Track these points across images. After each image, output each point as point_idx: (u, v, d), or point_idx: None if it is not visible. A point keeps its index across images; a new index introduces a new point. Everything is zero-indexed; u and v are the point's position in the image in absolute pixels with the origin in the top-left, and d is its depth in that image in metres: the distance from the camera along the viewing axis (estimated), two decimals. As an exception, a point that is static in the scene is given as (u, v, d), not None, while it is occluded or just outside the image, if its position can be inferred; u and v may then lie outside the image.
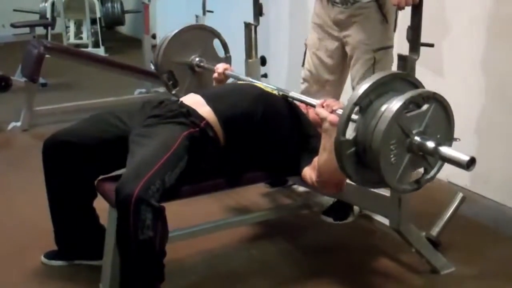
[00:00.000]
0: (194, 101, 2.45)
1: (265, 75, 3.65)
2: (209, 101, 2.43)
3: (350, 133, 1.89)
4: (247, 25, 3.53)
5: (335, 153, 1.91)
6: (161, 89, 5.61)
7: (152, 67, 5.67)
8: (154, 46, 6.06)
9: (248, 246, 2.88)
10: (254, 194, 3.37)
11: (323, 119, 2.17)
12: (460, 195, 2.80)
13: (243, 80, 2.85)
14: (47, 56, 4.80)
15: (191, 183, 2.32)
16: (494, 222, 3.11)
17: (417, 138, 1.85)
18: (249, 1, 3.63)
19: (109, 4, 8.54)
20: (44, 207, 2.57)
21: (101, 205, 2.46)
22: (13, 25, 6.55)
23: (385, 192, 2.47)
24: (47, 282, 2.57)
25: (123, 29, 9.57)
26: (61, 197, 2.51)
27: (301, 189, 3.35)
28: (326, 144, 2.15)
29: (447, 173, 3.55)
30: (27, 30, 6.50)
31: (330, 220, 3.06)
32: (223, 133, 2.38)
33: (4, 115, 5.04)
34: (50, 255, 2.69)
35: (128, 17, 8.88)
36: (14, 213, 3.24)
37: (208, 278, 2.61)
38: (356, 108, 1.86)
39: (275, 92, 2.58)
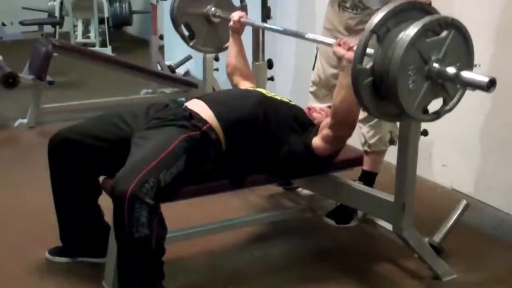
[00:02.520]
0: (197, 106, 2.47)
1: (271, 78, 3.65)
2: (212, 106, 2.45)
3: (368, 63, 1.87)
4: (255, 28, 3.54)
5: (352, 83, 1.90)
6: (168, 90, 5.64)
7: (159, 68, 5.71)
8: (161, 47, 6.10)
9: (251, 247, 2.88)
10: (258, 196, 3.38)
11: (340, 57, 2.20)
12: (463, 202, 2.80)
13: (259, 26, 2.84)
14: (54, 54, 4.82)
15: (194, 184, 2.33)
16: (497, 230, 3.11)
17: (435, 65, 1.83)
18: (257, 4, 3.64)
19: (117, 4, 8.57)
20: (49, 203, 2.59)
21: (106, 203, 2.47)
22: (21, 23, 6.59)
23: (389, 197, 2.48)
24: (50, 278, 2.59)
25: (131, 29, 9.59)
26: (66, 194, 2.53)
27: (305, 192, 3.35)
28: (343, 81, 2.18)
29: (451, 180, 3.56)
30: (35, 28, 6.54)
31: (332, 223, 3.06)
32: (225, 137, 2.40)
33: (11, 112, 5.07)
34: (54, 252, 2.70)
35: (136, 18, 8.90)
36: (19, 209, 3.25)
37: (211, 279, 2.62)
38: (374, 39, 1.84)
39: (277, 97, 2.60)
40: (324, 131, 2.38)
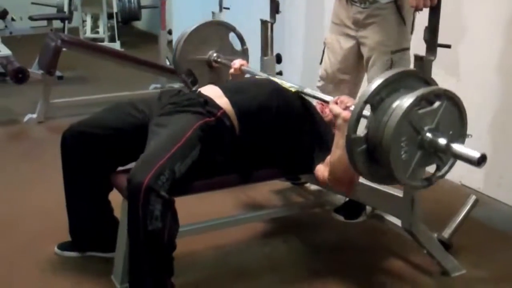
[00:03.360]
0: (212, 91, 2.47)
1: (280, 73, 3.65)
2: (227, 92, 2.45)
3: (362, 131, 1.89)
4: (264, 23, 3.54)
5: (346, 150, 1.92)
6: (176, 85, 5.64)
7: (168, 63, 5.71)
8: (170, 42, 6.11)
9: (259, 242, 2.89)
10: (267, 191, 3.38)
11: (336, 116, 2.18)
12: (473, 197, 2.79)
13: (259, 76, 2.86)
14: (64, 49, 4.83)
15: (204, 178, 2.34)
16: (507, 226, 3.10)
17: (428, 135, 1.84)
18: (266, -1, 3.64)
19: (126, -1, 8.59)
20: (59, 198, 2.60)
21: (116, 198, 2.48)
22: (31, 18, 6.61)
23: (398, 192, 2.47)
24: (60, 273, 2.59)
25: (139, 24, 9.60)
26: (77, 188, 2.53)
27: (313, 187, 3.35)
28: (339, 141, 2.16)
29: (460, 175, 3.55)
30: (44, 23, 6.57)
31: (341, 218, 3.06)
32: (239, 124, 2.39)
33: (20, 106, 5.09)
34: (63, 246, 2.71)
35: (144, 13, 8.91)
36: (28, 203, 3.27)
37: (219, 274, 2.62)
38: (369, 106, 1.86)
39: (291, 89, 2.59)
40: (326, 173, 2.33)
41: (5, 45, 5.28)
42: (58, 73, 5.48)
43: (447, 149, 1.83)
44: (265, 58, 3.53)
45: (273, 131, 2.44)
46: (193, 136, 2.22)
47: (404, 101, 1.81)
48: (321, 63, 3.16)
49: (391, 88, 1.88)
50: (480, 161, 1.78)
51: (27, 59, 5.36)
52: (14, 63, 4.87)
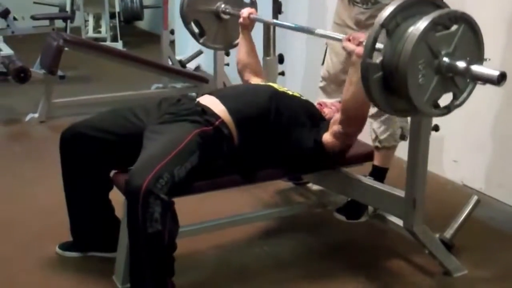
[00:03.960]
0: (210, 101, 2.48)
1: (282, 73, 3.65)
2: (224, 101, 2.45)
3: (377, 58, 1.86)
4: (266, 24, 3.53)
5: (361, 78, 1.89)
6: (178, 85, 5.64)
7: (170, 63, 5.71)
8: (172, 42, 6.10)
9: (261, 242, 2.88)
10: (268, 191, 3.38)
11: (350, 53, 2.19)
12: (475, 198, 2.79)
13: (268, 23, 2.83)
14: (66, 49, 4.83)
15: (206, 179, 2.34)
16: (509, 226, 3.10)
17: (445, 59, 1.82)
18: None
19: (129, -1, 8.58)
20: (60, 197, 2.60)
21: (117, 197, 2.48)
22: (33, 17, 6.60)
23: (399, 192, 2.47)
24: (61, 273, 2.59)
25: (142, 24, 9.60)
26: (77, 188, 2.54)
27: (315, 187, 3.35)
28: (353, 77, 2.17)
29: (462, 176, 3.55)
30: (46, 22, 6.56)
31: (343, 218, 3.06)
32: (238, 132, 2.40)
33: (22, 106, 5.09)
34: (64, 246, 2.71)
35: (147, 12, 8.90)
36: (30, 203, 3.27)
37: (220, 273, 2.62)
38: (383, 34, 1.83)
39: (289, 92, 2.60)
40: (334, 127, 2.37)
41: (7, 44, 5.29)
42: (60, 72, 5.49)
43: (466, 71, 1.80)
44: (268, 58, 3.52)
45: (273, 135, 2.45)
46: (192, 142, 2.22)
47: (421, 23, 1.77)
48: (323, 63, 3.16)
49: (406, 13, 1.85)
50: (500, 79, 1.76)
51: (29, 58, 5.37)
52: (16, 62, 4.88)
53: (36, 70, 5.07)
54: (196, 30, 3.44)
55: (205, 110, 2.39)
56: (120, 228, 2.42)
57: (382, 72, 1.86)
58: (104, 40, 8.02)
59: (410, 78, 1.79)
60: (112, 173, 2.51)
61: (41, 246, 2.77)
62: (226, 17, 3.38)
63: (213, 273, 2.62)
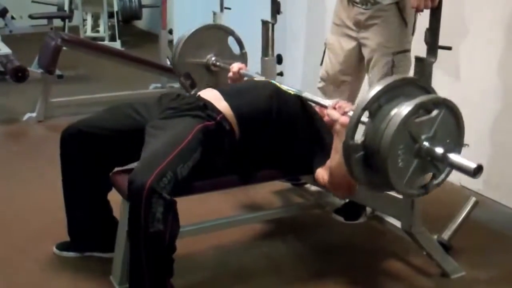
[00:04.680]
0: (212, 95, 2.46)
1: (281, 74, 3.65)
2: (226, 96, 2.44)
3: (359, 137, 1.89)
4: (265, 23, 3.54)
5: (343, 156, 1.92)
6: (177, 84, 5.63)
7: (169, 62, 5.70)
8: (170, 41, 6.10)
9: (259, 243, 2.88)
10: (267, 192, 3.38)
11: (334, 121, 2.17)
12: (473, 199, 2.79)
13: (258, 79, 2.86)
14: (64, 48, 4.82)
15: (205, 179, 2.33)
16: (507, 227, 3.10)
17: (425, 144, 1.84)
18: (267, -1, 3.63)
19: (127, -2, 8.58)
20: (58, 197, 2.60)
21: (114, 198, 2.48)
22: (31, 17, 6.60)
23: (397, 194, 2.47)
24: (58, 273, 2.59)
25: (140, 24, 9.60)
26: (76, 188, 2.53)
27: (313, 188, 3.34)
28: (338, 146, 2.15)
29: (460, 176, 3.54)
30: (44, 22, 6.56)
31: (341, 219, 3.05)
32: (239, 128, 2.39)
33: (20, 105, 5.08)
34: (62, 246, 2.71)
35: (145, 12, 8.90)
36: (27, 203, 3.26)
37: (219, 274, 2.62)
38: (367, 112, 1.86)
39: (289, 91, 2.59)
40: (326, 177, 2.33)
41: (5, 43, 5.27)
42: (58, 72, 5.47)
43: (443, 158, 1.83)
44: (266, 58, 3.53)
45: (273, 133, 2.44)
46: (194, 139, 2.21)
47: (403, 109, 1.80)
48: (321, 64, 3.15)
49: (390, 95, 1.87)
50: (476, 172, 1.79)
51: (27, 57, 5.36)
52: (14, 61, 4.86)
53: (34, 70, 5.06)
54: (187, 83, 3.46)
55: (206, 105, 2.38)
56: (118, 228, 2.42)
57: (363, 151, 1.89)
58: (103, 39, 8.02)
59: (391, 163, 1.82)
60: (111, 173, 2.50)
61: (39, 246, 2.76)
62: (216, 69, 3.41)
63: (211, 274, 2.62)
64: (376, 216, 2.97)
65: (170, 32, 6.13)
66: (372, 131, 1.86)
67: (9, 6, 6.47)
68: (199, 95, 2.49)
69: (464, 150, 1.96)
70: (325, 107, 2.30)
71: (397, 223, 2.60)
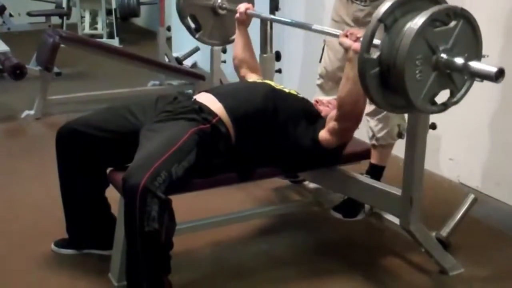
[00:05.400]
0: (207, 98, 2.47)
1: (279, 71, 3.64)
2: (221, 98, 2.45)
3: (375, 53, 1.86)
4: (263, 20, 3.52)
5: (358, 73, 1.89)
6: (175, 82, 5.63)
7: (167, 60, 5.70)
8: (169, 39, 6.10)
9: (257, 240, 2.88)
10: (265, 189, 3.37)
11: (347, 48, 2.18)
12: (471, 196, 2.79)
13: (265, 18, 2.81)
14: (62, 45, 4.81)
15: (202, 177, 2.33)
16: (505, 225, 3.09)
17: (443, 55, 1.82)
18: (266, -4, 3.63)
19: (125, -5, 8.56)
20: (56, 195, 2.59)
21: (113, 195, 2.47)
22: (29, 14, 6.59)
23: (396, 191, 2.46)
24: (56, 270, 2.59)
25: (138, 21, 9.58)
26: (73, 186, 2.53)
27: (311, 185, 3.34)
28: (350, 73, 2.16)
29: (458, 174, 3.55)
30: (42, 19, 6.54)
31: (339, 216, 3.05)
32: (235, 130, 2.39)
33: (18, 103, 5.08)
34: (60, 244, 2.70)
35: (143, 9, 8.88)
36: (25, 200, 3.26)
37: (217, 271, 2.62)
38: (381, 29, 1.83)
39: (285, 89, 2.59)
40: (331, 123, 2.37)
41: (3, 41, 5.26)
42: (56, 69, 5.47)
43: (464, 68, 1.80)
44: (264, 55, 3.52)
45: (269, 133, 2.45)
46: (189, 140, 2.22)
47: (419, 19, 1.77)
48: (320, 61, 3.15)
49: (405, 8, 1.84)
50: (498, 76, 1.76)
51: (25, 55, 5.36)
52: (12, 59, 4.85)
53: (32, 67, 5.06)
54: (192, 25, 3.43)
55: (202, 108, 2.39)
56: (116, 225, 2.42)
57: (379, 67, 1.86)
58: (101, 36, 8.01)
59: (408, 74, 1.78)
60: (108, 170, 2.50)
61: (37, 244, 2.76)
62: (222, 12, 3.37)
63: (209, 271, 2.62)
64: (375, 213, 2.97)
65: (168, 29, 6.12)
66: (388, 44, 1.83)
67: (7, 3, 6.45)
68: (195, 99, 2.49)
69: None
70: (336, 36, 2.31)
71: (396, 220, 2.60)
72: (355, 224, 3.02)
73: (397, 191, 2.46)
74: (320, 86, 3.15)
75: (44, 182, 3.31)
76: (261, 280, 2.56)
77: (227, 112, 2.40)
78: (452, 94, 1.93)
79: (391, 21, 1.83)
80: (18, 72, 4.75)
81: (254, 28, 3.53)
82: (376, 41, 1.86)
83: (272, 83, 2.67)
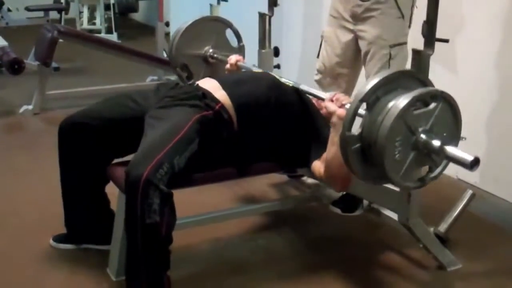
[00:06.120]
0: (210, 85, 2.46)
1: (278, 66, 3.64)
2: (225, 86, 2.44)
3: (356, 129, 1.89)
4: (262, 15, 3.53)
5: (340, 148, 1.92)
6: (173, 77, 5.62)
7: (165, 55, 5.69)
8: (167, 34, 6.09)
9: (255, 236, 2.88)
10: (264, 185, 3.38)
11: (331, 113, 2.17)
12: (469, 192, 2.79)
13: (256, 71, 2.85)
14: (60, 40, 4.81)
15: (202, 171, 2.33)
16: (503, 220, 3.10)
17: (422, 136, 1.85)
18: (265, -9, 3.62)
19: (123, -9, 8.56)
20: (54, 190, 2.59)
21: (112, 191, 2.47)
22: (27, 9, 6.59)
23: (395, 186, 2.47)
24: (55, 265, 2.59)
25: (137, 16, 9.58)
26: (74, 180, 2.52)
27: (310, 180, 3.34)
28: (334, 138, 2.15)
29: (457, 169, 3.55)
30: (41, 14, 6.55)
31: (338, 211, 3.06)
32: (237, 118, 2.38)
33: (16, 98, 5.08)
34: (58, 238, 2.70)
35: (142, 4, 8.89)
36: (24, 195, 3.26)
37: (215, 266, 2.62)
38: (364, 105, 1.86)
39: (288, 83, 2.59)
40: (322, 170, 2.33)
41: (1, 35, 5.26)
42: (54, 64, 5.47)
43: (440, 151, 1.84)
44: (263, 51, 3.52)
45: (271, 124, 2.44)
46: (191, 129, 2.21)
47: (400, 101, 1.81)
48: (318, 56, 3.15)
49: (387, 87, 1.88)
50: (473, 164, 1.79)
51: (23, 50, 5.35)
52: (10, 54, 4.85)
53: (30, 62, 5.05)
54: (184, 74, 3.45)
55: (205, 94, 2.38)
56: (115, 220, 2.42)
57: (360, 143, 1.90)
58: (99, 32, 8.01)
59: (387, 155, 1.83)
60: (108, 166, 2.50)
61: (35, 238, 2.76)
62: (213, 61, 3.39)
63: (207, 266, 2.62)
64: (373, 208, 2.98)
65: (167, 24, 6.11)
66: (369, 123, 1.86)
67: (5, -2, 6.46)
68: (197, 84, 2.49)
69: (461, 143, 1.97)
70: (322, 99, 2.30)
71: (394, 216, 2.60)
72: (354, 219, 3.03)
73: (396, 187, 2.46)
74: (318, 81, 3.15)
75: (42, 177, 3.31)
76: (259, 275, 2.56)
77: (231, 100, 2.38)
78: (431, 170, 1.96)
79: (373, 100, 1.86)
80: (16, 67, 4.75)
81: (253, 23, 3.54)
82: (360, 110, 1.89)
83: (277, 76, 2.66)
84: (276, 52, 3.58)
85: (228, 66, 3.04)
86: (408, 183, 1.94)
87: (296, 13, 4.87)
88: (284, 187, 3.43)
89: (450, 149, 1.83)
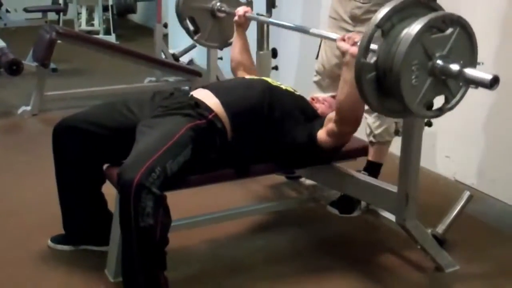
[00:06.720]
0: (203, 94, 2.47)
1: (276, 68, 3.64)
2: (218, 94, 2.45)
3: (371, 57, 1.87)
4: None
5: (355, 78, 1.90)
6: (171, 78, 5.63)
7: (163, 56, 5.70)
8: (165, 35, 6.09)
9: (253, 237, 2.89)
10: (261, 185, 3.38)
11: (344, 52, 2.18)
12: (467, 193, 2.79)
13: (264, 21, 2.81)
14: (58, 41, 4.81)
15: (199, 173, 2.33)
16: (500, 222, 3.10)
17: (439, 62, 1.83)
18: (263, -7, 3.62)
19: (122, -8, 8.55)
20: (52, 190, 2.59)
21: (109, 192, 2.47)
22: (25, 10, 6.59)
23: (392, 188, 2.47)
24: (53, 266, 2.58)
25: (135, 17, 9.57)
26: (69, 182, 2.53)
27: (308, 181, 3.35)
28: (347, 77, 2.17)
29: (454, 171, 3.55)
30: (39, 15, 6.55)
31: (336, 212, 3.06)
32: (231, 125, 2.39)
33: (14, 99, 5.07)
34: (56, 239, 2.70)
35: (140, 5, 8.88)
36: (22, 196, 3.26)
37: (213, 267, 2.62)
38: (378, 34, 1.84)
39: (282, 86, 2.60)
40: (329, 125, 2.37)
41: (-1, 36, 5.26)
42: (52, 65, 5.47)
43: (459, 74, 1.82)
44: (261, 52, 3.52)
45: (266, 130, 2.45)
46: (184, 135, 2.21)
47: (416, 25, 1.78)
48: (317, 57, 3.15)
49: (402, 14, 1.86)
50: (493, 83, 1.77)
51: (21, 51, 5.35)
52: (8, 54, 4.85)
53: (29, 63, 5.05)
54: (191, 27, 3.43)
55: (198, 104, 2.39)
56: (112, 222, 2.42)
57: (375, 72, 1.88)
58: (97, 33, 8.00)
59: (404, 79, 1.80)
60: (105, 166, 2.50)
61: (33, 239, 2.76)
62: (221, 15, 3.37)
63: (205, 267, 2.62)
64: (371, 209, 2.97)
65: (165, 26, 6.12)
66: (385, 49, 1.84)
67: (3, -1, 6.46)
68: (191, 94, 2.49)
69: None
70: (334, 40, 2.31)
71: (392, 217, 2.60)
72: (351, 220, 3.02)
73: (393, 188, 2.47)
74: (317, 83, 3.15)
75: (40, 178, 3.31)
76: (257, 276, 2.56)
77: (224, 108, 2.40)
78: (447, 100, 1.95)
79: (388, 27, 1.85)
80: (14, 68, 4.75)
81: (251, 26, 3.53)
82: (373, 46, 1.87)
83: (269, 80, 2.67)
84: (274, 53, 3.58)
85: (236, 18, 3.04)
86: (426, 111, 1.92)
87: (294, 14, 4.87)
88: (281, 188, 3.43)
89: (469, 71, 1.81)
